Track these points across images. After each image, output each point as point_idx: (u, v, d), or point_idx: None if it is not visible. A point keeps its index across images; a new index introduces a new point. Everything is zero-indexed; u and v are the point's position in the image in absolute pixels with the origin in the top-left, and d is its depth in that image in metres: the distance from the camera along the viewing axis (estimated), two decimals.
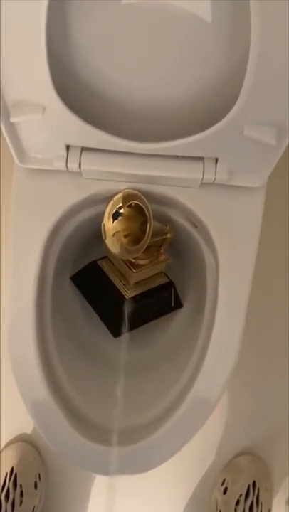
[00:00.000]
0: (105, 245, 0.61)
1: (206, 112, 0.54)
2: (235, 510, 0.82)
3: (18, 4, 0.43)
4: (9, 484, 0.82)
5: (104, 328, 0.74)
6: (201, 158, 0.58)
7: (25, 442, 0.88)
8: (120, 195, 0.59)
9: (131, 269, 0.68)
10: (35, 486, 0.84)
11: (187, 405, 0.59)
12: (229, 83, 0.51)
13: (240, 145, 0.54)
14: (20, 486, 0.83)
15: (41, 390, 0.58)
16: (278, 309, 0.94)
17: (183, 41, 0.50)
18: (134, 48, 0.52)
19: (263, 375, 0.92)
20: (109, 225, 0.60)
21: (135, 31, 0.50)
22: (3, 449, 0.88)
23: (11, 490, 0.82)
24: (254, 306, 0.62)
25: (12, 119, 0.52)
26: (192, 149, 0.57)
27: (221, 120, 0.51)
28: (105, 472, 0.57)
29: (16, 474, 0.83)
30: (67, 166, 0.58)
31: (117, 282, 0.71)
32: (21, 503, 0.82)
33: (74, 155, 0.58)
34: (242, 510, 0.82)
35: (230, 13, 0.47)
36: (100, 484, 0.89)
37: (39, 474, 0.86)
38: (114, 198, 0.59)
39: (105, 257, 0.75)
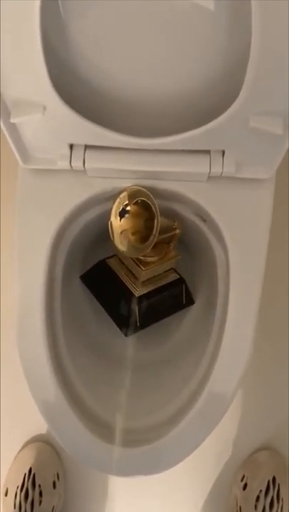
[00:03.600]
0: (113, 244, 0.60)
1: (211, 104, 0.53)
2: (256, 506, 0.82)
3: (12, 3, 0.42)
4: (28, 484, 0.83)
5: (115, 327, 0.73)
6: (207, 152, 0.57)
7: (43, 442, 0.89)
8: (126, 192, 0.58)
9: (140, 267, 0.67)
10: (54, 486, 0.84)
11: (202, 403, 0.58)
12: (232, 73, 0.50)
13: (246, 136, 0.53)
14: (39, 485, 0.83)
15: (52, 389, 0.58)
16: (288, 301, 0.92)
17: (185, 31, 0.49)
18: (134, 40, 0.51)
19: (277, 368, 0.91)
20: (117, 223, 0.60)
21: (135, 23, 0.49)
22: (20, 449, 0.89)
23: (29, 490, 0.82)
24: (264, 299, 0.60)
25: (13, 120, 0.52)
26: (198, 142, 0.55)
27: (225, 111, 0.50)
28: (118, 473, 0.56)
29: (34, 474, 0.84)
30: (71, 165, 0.58)
31: (127, 280, 0.70)
32: (40, 502, 0.82)
33: (77, 154, 0.57)
34: (262, 506, 0.81)
35: (232, 1, 0.46)
36: (118, 482, 0.89)
37: (57, 474, 0.86)
38: (120, 196, 0.59)
39: (114, 256, 0.74)
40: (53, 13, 0.47)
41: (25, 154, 0.58)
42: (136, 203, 0.59)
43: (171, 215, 0.66)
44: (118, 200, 0.59)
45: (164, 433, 0.57)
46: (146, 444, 0.57)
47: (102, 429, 0.59)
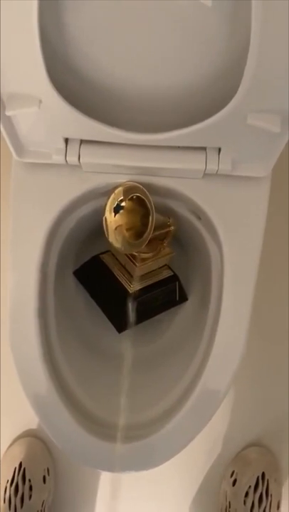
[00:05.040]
0: (107, 239, 0.60)
1: (208, 101, 0.53)
2: (245, 502, 0.82)
3: None
4: (18, 479, 0.83)
5: (108, 323, 0.73)
6: (203, 149, 0.57)
7: (33, 437, 0.89)
8: (121, 188, 0.58)
9: (134, 263, 0.67)
10: (44, 481, 0.84)
11: (195, 399, 0.58)
12: (231, 70, 0.49)
13: (243, 134, 0.53)
14: (29, 480, 0.83)
15: (45, 386, 0.58)
16: (282, 299, 0.93)
17: (182, 27, 0.49)
18: (132, 35, 0.50)
19: (269, 366, 0.92)
20: (111, 219, 0.59)
21: (132, 18, 0.49)
22: (11, 444, 0.89)
23: (19, 485, 0.82)
24: (258, 297, 0.61)
25: (8, 113, 0.51)
26: (194, 139, 0.55)
27: (223, 108, 0.49)
28: (110, 469, 0.56)
29: (24, 469, 0.83)
30: (66, 160, 0.57)
31: (121, 276, 0.70)
32: (30, 497, 0.82)
33: (73, 148, 0.57)
34: (251, 501, 0.82)
35: None
36: (109, 477, 0.89)
37: (48, 469, 0.86)
38: (115, 192, 0.58)
39: (108, 251, 0.74)
40: (52, 6, 0.46)
41: (19, 147, 0.58)
42: (131, 199, 0.58)
43: (166, 211, 0.66)
44: (113, 195, 0.58)
45: (156, 429, 0.57)
46: (138, 440, 0.57)
47: (95, 425, 0.59)
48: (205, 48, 0.50)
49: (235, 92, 0.47)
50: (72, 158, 0.57)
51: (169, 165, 0.58)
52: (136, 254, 0.67)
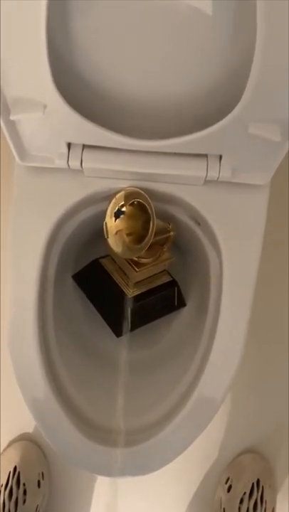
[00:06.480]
0: (107, 244, 0.60)
1: (210, 109, 0.53)
2: (239, 508, 0.82)
3: (19, 2, 0.42)
4: (12, 483, 0.82)
5: (107, 327, 0.73)
6: (204, 156, 0.57)
7: (29, 441, 0.88)
8: (122, 193, 0.58)
9: (133, 268, 0.67)
10: (39, 485, 0.84)
11: (192, 405, 0.58)
12: (233, 79, 0.50)
13: (244, 142, 0.54)
14: (24, 484, 0.82)
15: (43, 391, 0.58)
16: (280, 307, 0.93)
17: (185, 36, 0.49)
18: (135, 43, 0.51)
19: (265, 373, 0.92)
20: (112, 224, 0.60)
21: (136, 27, 0.49)
22: (6, 448, 0.88)
23: (14, 489, 0.82)
24: (257, 304, 0.61)
25: (12, 117, 0.51)
26: (196, 146, 0.56)
27: (225, 117, 0.50)
28: (109, 474, 0.56)
29: (19, 473, 0.83)
30: (68, 164, 0.58)
31: (120, 281, 0.70)
32: (24, 501, 0.82)
33: (75, 153, 0.57)
34: (246, 508, 0.82)
35: (232, 5, 0.46)
36: (103, 482, 0.88)
37: (42, 473, 0.86)
38: (117, 196, 0.58)
39: (108, 256, 0.74)
40: (59, 11, 0.47)
41: (23, 151, 0.58)
42: (132, 204, 0.59)
43: (166, 217, 0.66)
44: (114, 200, 0.59)
45: (154, 434, 0.57)
46: (136, 445, 0.57)
47: (93, 431, 0.59)
48: (208, 55, 0.50)
49: (238, 100, 0.48)
50: (74, 163, 0.57)
51: (170, 171, 0.58)
52: (135, 259, 0.67)
